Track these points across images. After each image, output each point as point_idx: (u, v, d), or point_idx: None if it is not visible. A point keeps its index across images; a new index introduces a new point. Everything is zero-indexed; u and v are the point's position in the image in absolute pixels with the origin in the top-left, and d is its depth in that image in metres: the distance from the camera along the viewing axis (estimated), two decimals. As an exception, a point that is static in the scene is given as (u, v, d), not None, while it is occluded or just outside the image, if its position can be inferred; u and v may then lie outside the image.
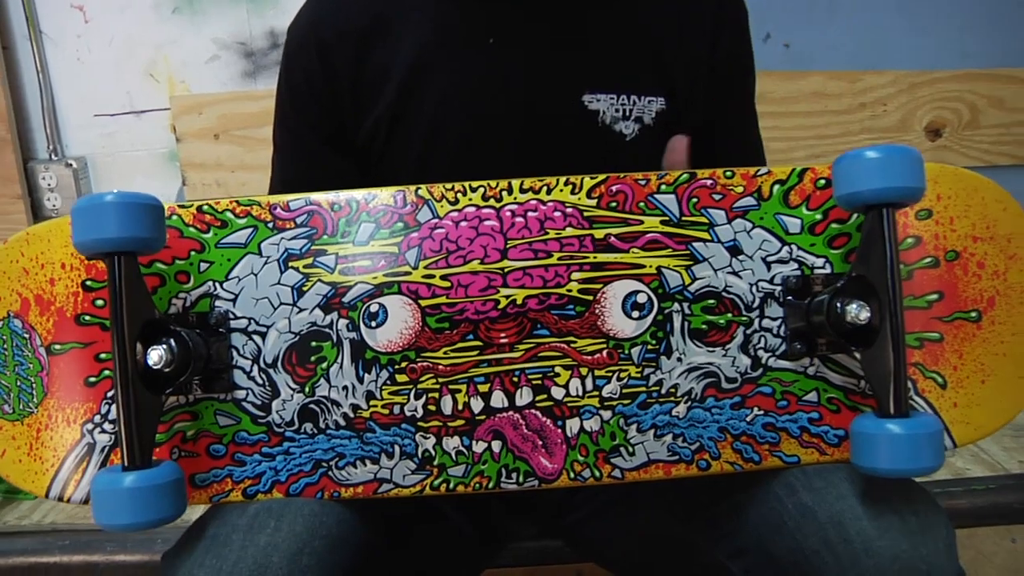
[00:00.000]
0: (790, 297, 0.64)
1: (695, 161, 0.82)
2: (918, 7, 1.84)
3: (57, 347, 0.64)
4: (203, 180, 1.75)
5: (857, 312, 0.59)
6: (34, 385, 0.65)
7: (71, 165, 1.71)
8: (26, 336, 0.65)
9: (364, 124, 0.82)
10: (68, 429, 0.64)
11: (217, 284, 0.64)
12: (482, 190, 0.64)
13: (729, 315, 0.64)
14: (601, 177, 0.64)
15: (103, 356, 0.64)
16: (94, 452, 0.64)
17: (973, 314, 0.64)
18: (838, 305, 0.60)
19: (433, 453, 0.63)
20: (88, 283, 0.64)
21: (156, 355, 0.58)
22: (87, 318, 0.64)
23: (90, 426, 0.64)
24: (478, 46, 0.81)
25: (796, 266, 0.64)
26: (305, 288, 0.63)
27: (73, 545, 1.11)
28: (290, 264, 0.63)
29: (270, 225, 0.64)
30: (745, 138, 0.91)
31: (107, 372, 0.64)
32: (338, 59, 0.81)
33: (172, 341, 0.59)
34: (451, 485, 0.64)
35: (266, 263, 0.64)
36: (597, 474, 0.64)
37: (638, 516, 0.78)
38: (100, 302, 0.64)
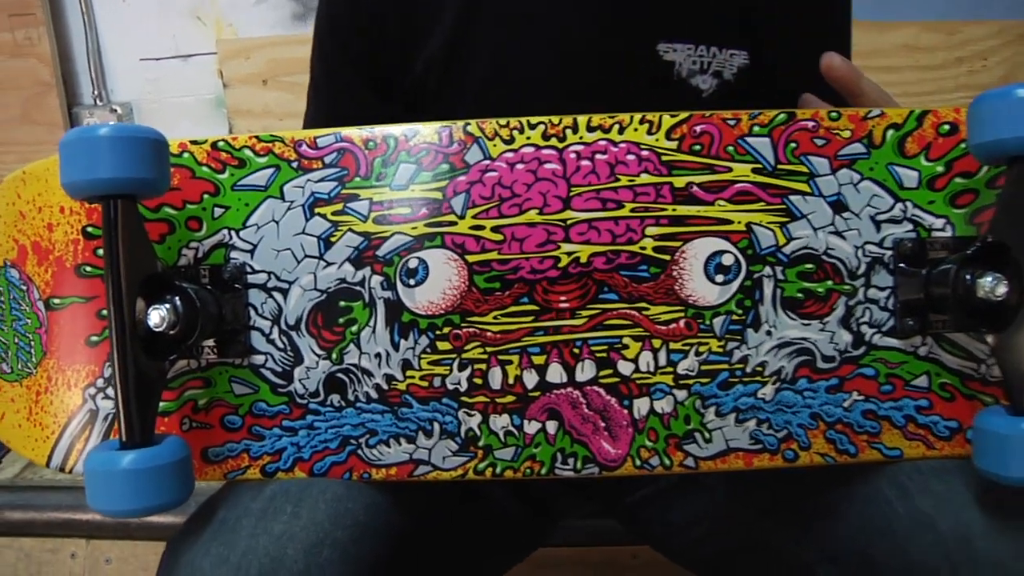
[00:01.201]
0: (903, 264, 0.49)
1: None
2: None
3: (56, 301, 0.52)
4: (250, 128, 1.59)
5: (992, 286, 0.45)
6: (32, 343, 0.53)
7: (116, 111, 1.58)
8: (23, 288, 0.53)
9: (413, 66, 0.67)
10: (69, 393, 0.53)
11: (233, 232, 0.51)
12: (542, 127, 0.50)
13: (829, 283, 0.50)
14: (683, 115, 0.50)
15: (105, 313, 0.52)
16: (96, 420, 0.52)
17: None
18: (967, 276, 0.46)
19: (478, 433, 0.51)
20: (89, 229, 0.52)
21: (157, 315, 0.46)
22: (88, 269, 0.52)
23: (92, 391, 0.52)
24: None
25: (911, 227, 0.50)
26: (334, 238, 0.50)
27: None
28: (317, 210, 0.50)
29: (294, 165, 0.51)
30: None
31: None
32: None
33: (177, 299, 0.47)
34: (498, 470, 0.51)
35: (289, 209, 0.51)
36: (667, 462, 0.51)
37: (708, 504, 0.64)
38: (102, 251, 0.52)
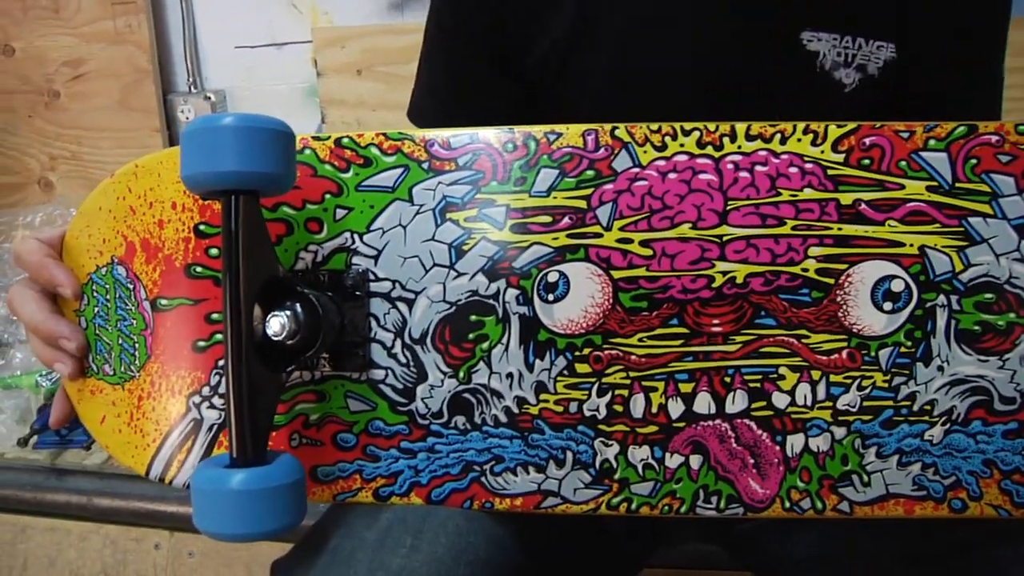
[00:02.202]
0: (1096, 296, 0.42)
1: None
2: None
3: (163, 302, 0.46)
4: (343, 118, 1.52)
5: None
6: (137, 345, 0.46)
7: (210, 98, 1.52)
8: (130, 287, 0.46)
9: (534, 52, 0.60)
10: (172, 400, 0.46)
11: (356, 236, 0.44)
12: (697, 134, 0.43)
13: (1012, 315, 0.42)
14: (851, 126, 0.43)
15: (215, 317, 0.45)
16: (200, 430, 0.46)
17: None
18: None
19: (615, 464, 0.43)
20: (202, 227, 0.45)
21: (278, 323, 0.39)
22: (198, 269, 0.45)
23: (197, 399, 0.46)
24: None
25: (1108, 257, 0.42)
26: (466, 247, 0.43)
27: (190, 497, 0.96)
28: (449, 216, 0.44)
29: (425, 166, 0.44)
30: (988, 108, 0.64)
31: (219, 336, 0.45)
32: None
33: (298, 306, 0.40)
34: (633, 505, 0.44)
35: (418, 213, 0.44)
36: (819, 505, 0.43)
37: (837, 543, 0.56)
38: (215, 251, 0.45)
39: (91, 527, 0.95)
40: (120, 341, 0.47)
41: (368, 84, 1.51)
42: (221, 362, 0.45)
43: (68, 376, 0.47)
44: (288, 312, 0.39)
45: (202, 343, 0.45)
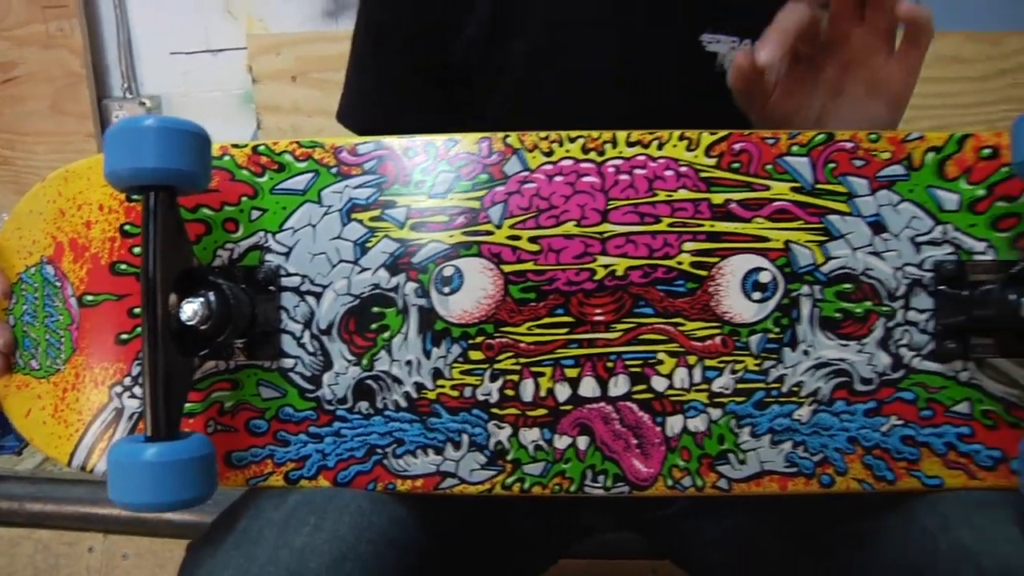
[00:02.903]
0: (943, 286, 0.49)
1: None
2: None
3: (89, 298, 0.52)
4: (279, 124, 1.60)
5: (1036, 307, 0.44)
6: (63, 339, 0.53)
7: (145, 103, 1.60)
8: (58, 284, 0.53)
9: (455, 47, 0.67)
10: (96, 391, 0.52)
11: (269, 235, 0.51)
12: (582, 141, 0.50)
13: (868, 303, 0.49)
14: (722, 133, 0.50)
15: (137, 311, 0.52)
16: (122, 418, 0.52)
17: None
18: (1012, 297, 0.45)
19: (507, 446, 0.50)
20: (127, 227, 0.52)
21: (191, 309, 0.46)
22: (123, 267, 0.52)
23: (119, 389, 0.52)
24: None
25: (951, 249, 0.49)
26: (370, 244, 0.50)
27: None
28: (354, 216, 0.51)
29: (334, 170, 0.51)
30: None
31: (140, 329, 0.52)
32: None
33: (211, 295, 0.46)
34: (526, 485, 0.50)
35: (326, 213, 0.51)
36: (699, 483, 0.50)
37: (734, 523, 0.63)
38: (138, 249, 0.52)
39: (22, 532, 1.00)
40: (47, 336, 0.53)
41: (303, 90, 1.60)
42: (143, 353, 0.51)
43: None
44: (202, 299, 0.46)
45: (125, 336, 0.52)
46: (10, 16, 1.54)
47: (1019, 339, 0.46)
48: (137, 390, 0.52)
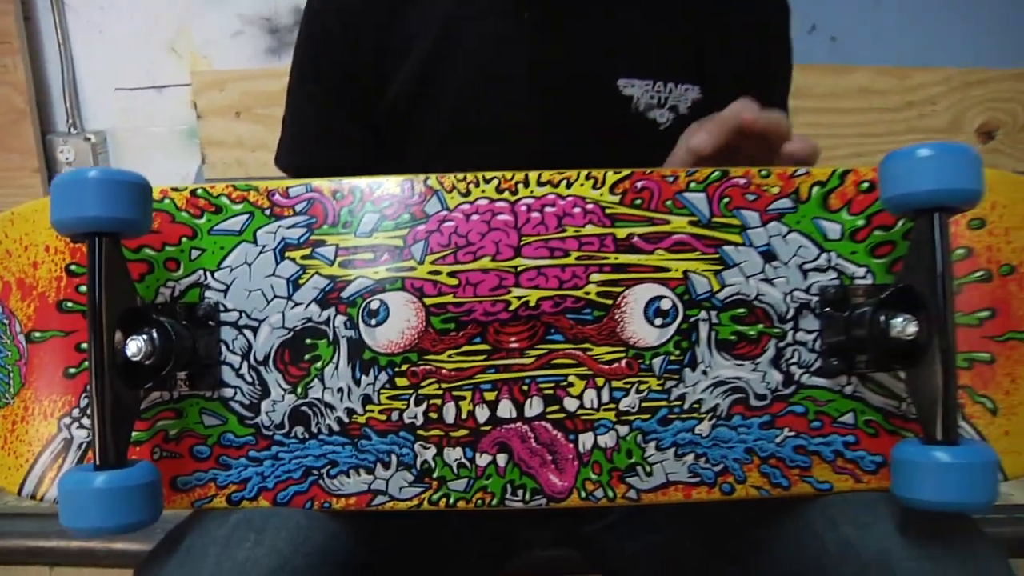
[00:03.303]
0: (827, 309, 0.56)
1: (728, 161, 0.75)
2: (975, 2, 1.73)
3: (37, 335, 0.58)
4: (223, 159, 1.67)
5: (903, 326, 0.51)
6: (11, 374, 0.58)
7: (90, 139, 1.65)
8: (5, 322, 0.58)
9: (386, 96, 0.75)
10: (45, 423, 0.58)
11: (208, 273, 0.57)
12: (496, 182, 0.57)
13: (760, 326, 0.56)
14: (625, 172, 0.57)
15: (84, 346, 0.57)
16: (71, 448, 0.57)
17: (1028, 334, 0.56)
18: (882, 318, 0.52)
19: (433, 465, 0.56)
20: (72, 267, 0.58)
21: (135, 345, 0.51)
22: (69, 305, 0.57)
23: (67, 420, 0.57)
24: (512, 20, 0.74)
25: (835, 275, 0.56)
26: (302, 281, 0.56)
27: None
28: (287, 254, 0.56)
29: (267, 212, 0.57)
30: None
31: (87, 363, 0.57)
32: (363, 24, 0.75)
33: (154, 331, 0.52)
34: (451, 500, 0.56)
35: (261, 252, 0.57)
36: (610, 494, 0.56)
37: (656, 535, 0.70)
38: (84, 288, 0.57)
39: (-33, 568, 1.04)
40: (-3, 372, 0.58)
41: (247, 126, 1.67)
42: (90, 386, 0.57)
43: None
44: (145, 336, 0.52)
45: (72, 370, 0.57)
46: (-52, 51, 1.59)
47: (890, 356, 0.53)
48: (85, 421, 0.57)
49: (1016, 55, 1.73)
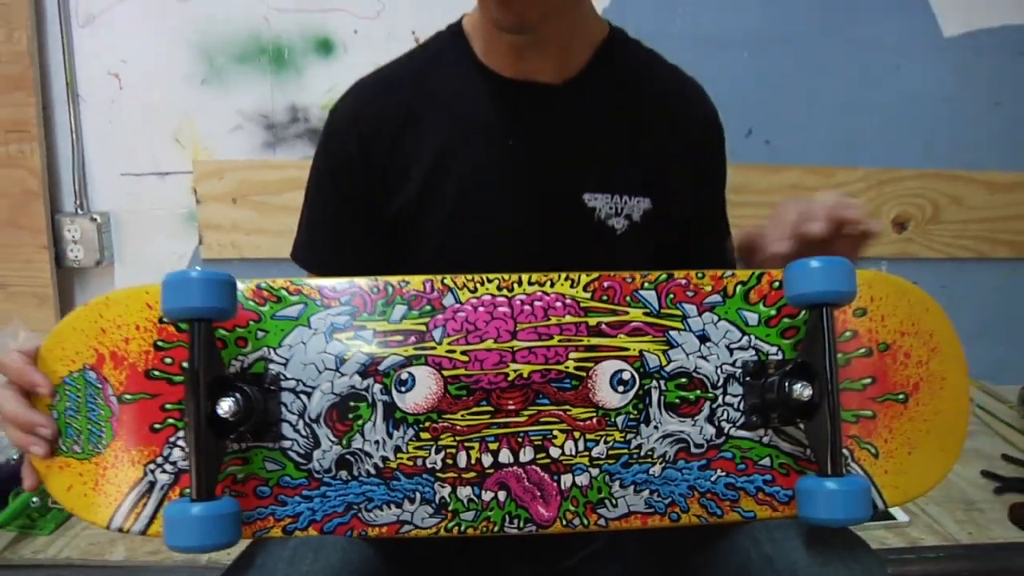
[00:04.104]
0: (748, 378, 0.79)
1: (679, 252, 1.01)
2: (887, 111, 2.12)
3: (128, 397, 0.77)
4: (219, 241, 1.90)
5: (801, 391, 0.74)
6: (104, 429, 0.77)
7: (95, 219, 1.86)
8: (99, 386, 0.77)
9: (392, 206, 0.97)
10: (132, 468, 0.76)
11: (271, 349, 0.77)
12: (497, 282, 0.78)
13: (698, 392, 0.79)
14: (595, 275, 0.79)
15: (168, 406, 0.76)
16: (154, 489, 0.76)
17: (901, 396, 0.80)
18: (787, 384, 0.75)
19: (448, 500, 0.76)
20: (159, 343, 0.77)
21: (226, 405, 0.71)
22: (156, 373, 0.77)
23: (152, 466, 0.76)
24: (497, 145, 0.97)
25: (754, 353, 0.79)
26: (347, 357, 0.77)
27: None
28: (335, 336, 0.77)
29: (318, 303, 0.78)
30: (719, 232, 1.12)
31: (171, 420, 0.76)
32: (374, 148, 0.98)
33: (238, 395, 0.72)
34: (462, 528, 0.76)
35: (314, 334, 0.77)
36: (585, 522, 0.77)
37: (625, 563, 0.91)
38: (168, 360, 0.76)
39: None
40: (89, 427, 0.77)
41: (243, 211, 1.90)
42: (172, 438, 0.76)
43: (41, 456, 0.76)
44: (232, 399, 0.71)
45: (157, 425, 0.76)
46: (-28, 139, 1.80)
47: (794, 413, 0.76)
48: (167, 467, 0.76)
49: (925, 158, 2.11)
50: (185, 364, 0.75)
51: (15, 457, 1.44)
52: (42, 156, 1.83)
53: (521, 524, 0.77)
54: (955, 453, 0.81)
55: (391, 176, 0.97)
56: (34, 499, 1.33)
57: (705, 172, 1.06)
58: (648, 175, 1.00)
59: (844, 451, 0.78)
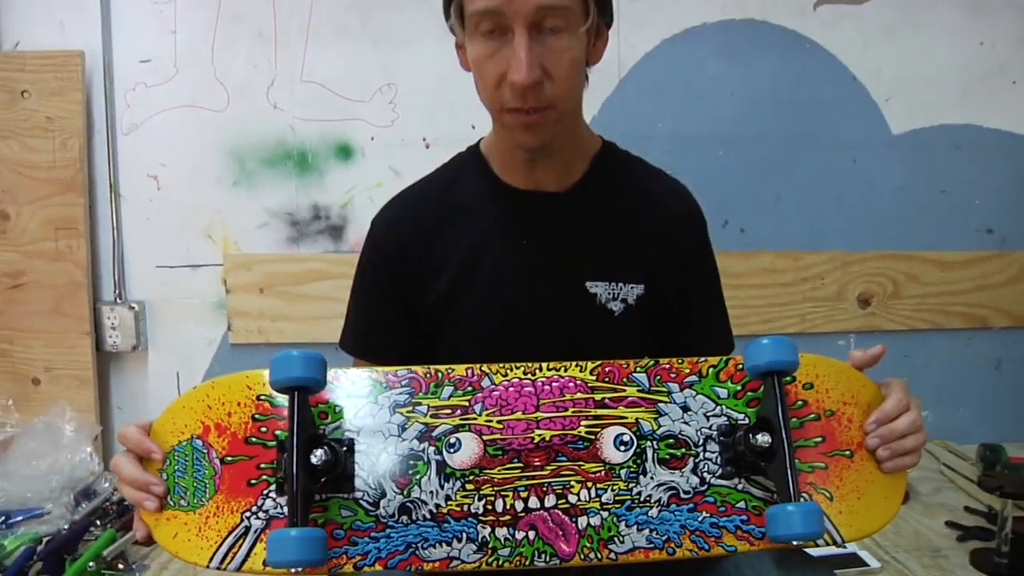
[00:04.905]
0: (722, 438, 1.05)
1: (673, 337, 1.30)
2: (848, 200, 2.56)
3: (229, 459, 1.00)
4: (246, 327, 2.20)
5: (762, 440, 1.01)
6: (208, 485, 1.00)
7: (133, 308, 2.16)
8: (204, 451, 1.01)
9: (426, 300, 1.25)
10: (231, 516, 0.99)
11: (347, 420, 1.02)
12: (523, 368, 1.06)
13: (683, 449, 1.04)
14: (599, 362, 1.07)
15: (263, 465, 1.00)
16: (250, 532, 0.98)
17: (847, 452, 1.06)
18: (751, 436, 1.01)
19: (489, 539, 1.00)
20: (256, 416, 1.02)
21: (319, 455, 0.95)
22: (253, 439, 1.01)
23: (248, 514, 0.99)
24: (514, 246, 1.26)
25: (726, 419, 1.06)
26: (407, 426, 1.02)
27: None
28: (397, 410, 1.03)
29: (383, 384, 1.04)
30: (713, 323, 1.39)
31: (264, 477, 1.00)
32: (410, 251, 1.27)
33: (327, 448, 0.96)
34: (500, 562, 1.00)
35: (380, 408, 1.03)
36: (599, 556, 1.00)
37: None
38: (264, 429, 1.01)
39: None
40: (195, 484, 1.00)
41: (269, 300, 2.22)
42: (265, 491, 0.99)
43: (152, 510, 0.99)
44: (322, 451, 0.96)
45: (253, 481, 1.00)
46: (25, 235, 2.17)
47: (759, 457, 1.01)
48: (260, 514, 0.99)
49: (882, 240, 2.55)
50: (279, 432, 1.00)
51: (65, 527, 1.65)
52: (87, 250, 2.13)
53: (548, 559, 1.00)
54: (897, 500, 1.06)
55: (426, 273, 1.26)
56: (90, 564, 1.49)
57: (691, 260, 1.32)
58: (640, 264, 1.27)
59: (804, 495, 1.03)
